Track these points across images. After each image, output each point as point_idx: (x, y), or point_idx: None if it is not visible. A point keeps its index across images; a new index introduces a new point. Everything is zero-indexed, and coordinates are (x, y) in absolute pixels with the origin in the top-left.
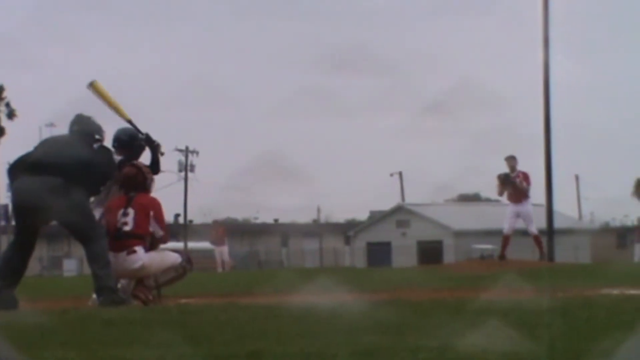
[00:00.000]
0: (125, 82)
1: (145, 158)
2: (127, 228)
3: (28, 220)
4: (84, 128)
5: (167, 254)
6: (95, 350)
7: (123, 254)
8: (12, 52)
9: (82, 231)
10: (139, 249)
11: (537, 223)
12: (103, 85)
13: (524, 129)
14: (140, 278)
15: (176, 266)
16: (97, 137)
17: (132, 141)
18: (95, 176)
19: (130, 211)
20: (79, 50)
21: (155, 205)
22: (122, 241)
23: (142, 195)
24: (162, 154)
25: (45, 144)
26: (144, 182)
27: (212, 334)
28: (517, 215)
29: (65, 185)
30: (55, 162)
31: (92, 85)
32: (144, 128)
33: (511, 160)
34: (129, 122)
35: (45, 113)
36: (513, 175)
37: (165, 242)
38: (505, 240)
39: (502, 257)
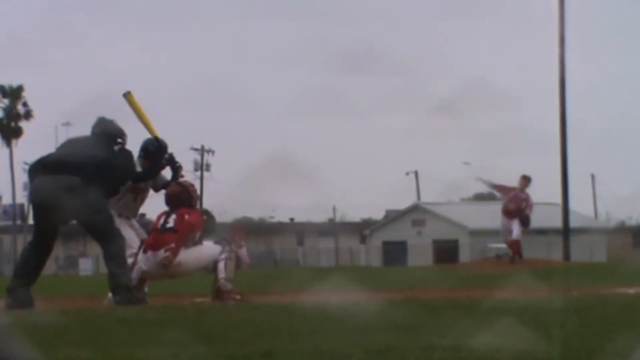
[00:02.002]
0: (141, 81)
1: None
2: (169, 225)
3: (46, 219)
4: (106, 131)
5: (204, 248)
6: (110, 349)
7: (161, 252)
8: (28, 53)
9: (99, 230)
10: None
11: (554, 222)
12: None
13: (540, 128)
14: (217, 287)
15: (227, 255)
16: (119, 140)
17: (159, 152)
18: (114, 176)
19: (173, 215)
20: (94, 51)
21: (193, 212)
22: (164, 235)
23: (185, 208)
24: (182, 176)
25: (66, 144)
26: (189, 200)
27: (226, 333)
28: (509, 225)
29: (83, 185)
30: (73, 162)
31: (127, 96)
32: (160, 127)
33: (525, 181)
34: (156, 139)
35: (60, 113)
36: (523, 196)
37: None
38: (516, 245)
39: (518, 258)
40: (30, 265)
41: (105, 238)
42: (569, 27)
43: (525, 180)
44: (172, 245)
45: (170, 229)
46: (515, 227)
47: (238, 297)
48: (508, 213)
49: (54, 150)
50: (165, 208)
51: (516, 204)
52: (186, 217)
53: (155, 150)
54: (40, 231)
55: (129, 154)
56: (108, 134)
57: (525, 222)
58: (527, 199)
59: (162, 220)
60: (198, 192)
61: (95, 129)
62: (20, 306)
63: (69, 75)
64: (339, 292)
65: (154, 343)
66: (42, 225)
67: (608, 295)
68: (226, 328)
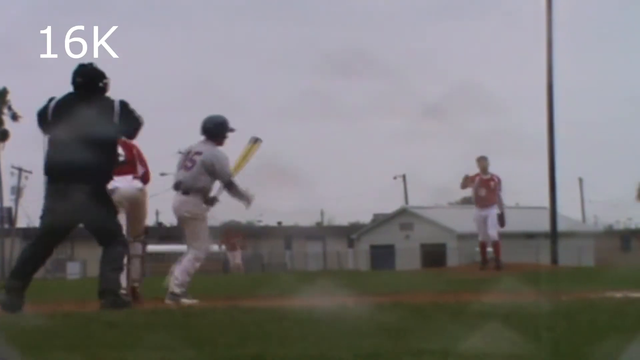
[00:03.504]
0: (127, 84)
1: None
2: (121, 158)
3: (59, 235)
4: (88, 79)
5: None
6: (98, 352)
7: (129, 177)
8: (14, 55)
9: (106, 233)
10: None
11: (542, 226)
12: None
13: (528, 132)
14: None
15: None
16: (100, 85)
17: (216, 129)
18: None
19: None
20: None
21: (136, 145)
22: (123, 167)
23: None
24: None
25: (67, 135)
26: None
27: (214, 337)
28: (485, 219)
29: (95, 191)
30: (85, 170)
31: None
32: (147, 130)
33: (483, 161)
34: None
35: None
36: (487, 177)
37: (147, 179)
38: (484, 246)
39: (484, 262)
40: (29, 267)
41: (110, 241)
42: (557, 31)
43: (482, 161)
44: (137, 175)
45: (125, 161)
46: (493, 228)
47: (189, 302)
48: (482, 201)
49: (54, 123)
50: None
51: (486, 187)
52: (134, 151)
53: (213, 127)
54: (47, 238)
55: (126, 112)
56: (89, 81)
57: (500, 220)
58: (492, 178)
59: None
60: None
61: (77, 78)
62: (11, 309)
63: (56, 77)
64: (328, 296)
65: (143, 347)
66: (51, 235)
67: (596, 299)
68: (214, 332)
